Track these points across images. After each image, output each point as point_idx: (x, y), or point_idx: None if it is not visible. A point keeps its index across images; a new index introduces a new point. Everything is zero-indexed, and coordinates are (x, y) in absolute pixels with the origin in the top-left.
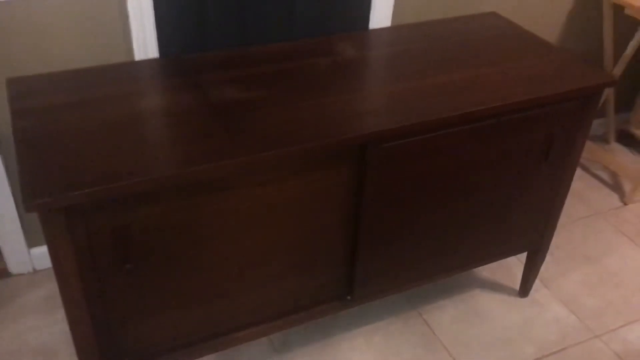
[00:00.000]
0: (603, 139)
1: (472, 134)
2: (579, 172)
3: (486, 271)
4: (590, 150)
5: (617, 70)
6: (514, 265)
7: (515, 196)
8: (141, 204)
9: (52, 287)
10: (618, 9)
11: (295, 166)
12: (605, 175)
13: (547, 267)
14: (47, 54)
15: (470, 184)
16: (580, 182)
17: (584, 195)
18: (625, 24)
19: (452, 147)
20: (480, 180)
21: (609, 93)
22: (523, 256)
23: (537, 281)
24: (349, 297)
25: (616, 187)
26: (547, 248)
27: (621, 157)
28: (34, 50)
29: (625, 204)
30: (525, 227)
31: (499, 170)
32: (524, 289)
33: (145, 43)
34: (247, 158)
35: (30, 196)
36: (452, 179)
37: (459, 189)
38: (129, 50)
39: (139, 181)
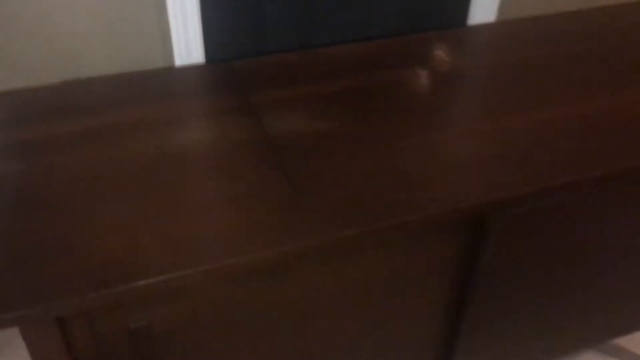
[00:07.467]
0: None
1: (631, 194)
2: None
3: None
4: None
5: None
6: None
7: None
8: (169, 299)
9: None
10: None
11: (381, 240)
12: None
13: None
14: (61, 54)
15: (616, 256)
16: None
17: None
18: None
19: (601, 211)
20: (630, 250)
21: None
22: None
23: None
24: None
25: None
26: None
27: None
28: (46, 51)
29: None
30: None
31: None
32: None
33: (188, 46)
34: (319, 240)
35: (5, 307)
36: (591, 250)
37: (599, 262)
38: (169, 53)
39: (166, 280)
